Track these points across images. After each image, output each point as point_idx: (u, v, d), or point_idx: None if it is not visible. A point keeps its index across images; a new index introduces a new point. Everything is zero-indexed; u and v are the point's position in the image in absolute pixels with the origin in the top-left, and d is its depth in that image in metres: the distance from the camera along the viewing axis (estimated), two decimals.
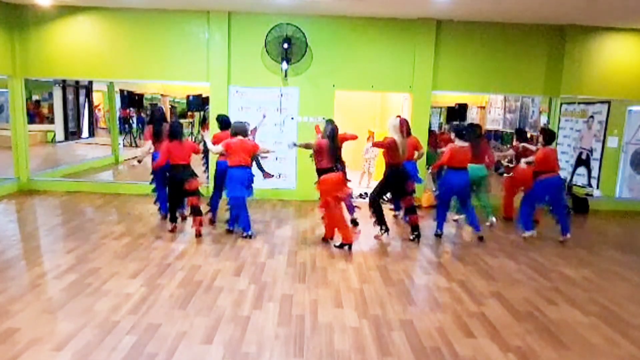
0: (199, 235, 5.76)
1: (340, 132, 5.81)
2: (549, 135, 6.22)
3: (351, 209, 6.45)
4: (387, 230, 5.95)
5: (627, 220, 7.92)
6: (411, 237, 5.97)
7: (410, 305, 4.10)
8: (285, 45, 7.52)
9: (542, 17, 7.47)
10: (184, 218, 6.41)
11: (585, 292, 4.59)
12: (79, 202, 7.49)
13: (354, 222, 6.48)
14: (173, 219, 5.95)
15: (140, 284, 4.29)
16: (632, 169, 8.90)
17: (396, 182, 5.85)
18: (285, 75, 7.84)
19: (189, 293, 4.14)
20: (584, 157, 9.40)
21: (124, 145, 13.11)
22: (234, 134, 5.75)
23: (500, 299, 4.30)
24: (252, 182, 5.91)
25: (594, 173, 9.14)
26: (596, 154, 9.11)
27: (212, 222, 6.36)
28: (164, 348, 3.22)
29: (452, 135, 6.11)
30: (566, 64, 7.89)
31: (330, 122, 6.08)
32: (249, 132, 8.00)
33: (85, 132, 15.30)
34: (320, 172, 5.50)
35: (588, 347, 3.52)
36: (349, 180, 5.90)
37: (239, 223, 5.89)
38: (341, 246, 5.52)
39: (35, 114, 14.72)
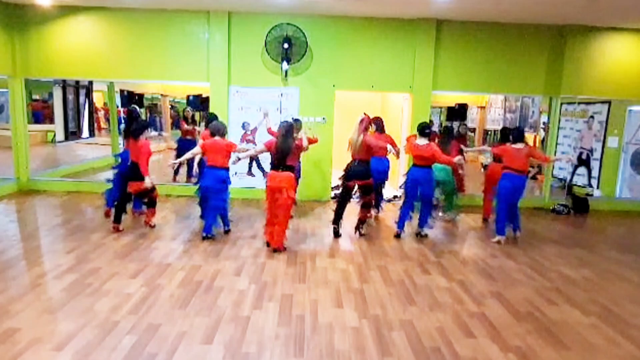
0: (147, 224, 6.02)
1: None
2: (513, 135, 6.09)
3: None
4: (336, 230, 6.08)
5: (627, 220, 7.92)
6: (358, 232, 6.10)
7: (410, 305, 4.10)
8: (286, 45, 7.52)
9: (542, 17, 7.47)
10: (141, 213, 6.46)
11: (585, 292, 4.59)
12: (79, 202, 7.49)
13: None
14: (117, 220, 5.85)
15: (140, 284, 4.29)
16: (632, 169, 8.90)
17: (345, 177, 5.95)
18: (286, 75, 7.84)
19: (189, 293, 4.14)
20: (584, 157, 9.40)
21: (124, 146, 13.09)
22: (211, 134, 5.69)
23: (500, 299, 4.30)
24: (224, 183, 5.64)
25: (594, 173, 9.14)
26: (596, 154, 9.11)
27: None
28: (164, 348, 3.22)
29: (417, 133, 6.07)
30: (566, 64, 7.90)
31: (295, 121, 6.30)
32: (249, 132, 8.06)
33: (85, 132, 15.28)
34: (270, 167, 5.45)
35: (588, 347, 3.52)
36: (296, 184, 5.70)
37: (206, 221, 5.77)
38: (267, 244, 5.51)
39: (42, 114, 14.70)
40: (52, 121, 14.53)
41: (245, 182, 8.04)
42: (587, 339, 3.63)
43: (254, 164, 8.19)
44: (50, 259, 4.89)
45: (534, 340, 3.57)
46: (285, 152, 5.26)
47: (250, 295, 4.16)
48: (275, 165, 5.34)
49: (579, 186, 9.24)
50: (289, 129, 5.37)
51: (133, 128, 5.82)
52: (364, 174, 5.87)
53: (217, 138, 5.61)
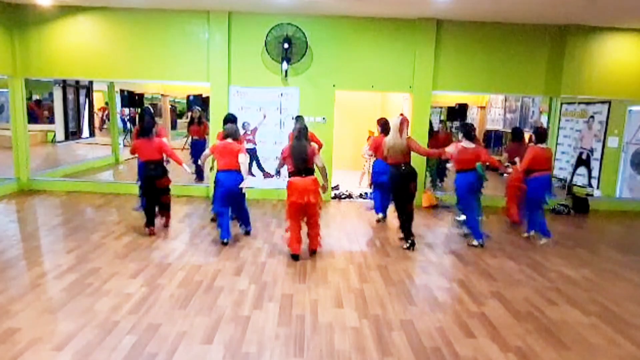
0: (166, 226, 6.06)
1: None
2: (537, 136, 6.13)
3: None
4: (412, 244, 5.62)
5: (627, 220, 7.92)
6: (405, 246, 5.65)
7: (411, 305, 4.10)
8: (286, 45, 7.52)
9: (543, 17, 7.47)
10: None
11: (586, 292, 4.59)
12: (79, 202, 7.50)
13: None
14: (150, 222, 5.79)
15: (140, 284, 4.29)
16: (633, 169, 8.90)
17: (395, 184, 5.60)
18: (286, 75, 7.84)
19: (189, 293, 4.14)
20: (584, 157, 9.40)
21: (124, 145, 13.11)
22: (225, 136, 5.50)
23: (501, 299, 4.30)
24: (240, 184, 5.46)
25: (594, 173, 9.14)
26: (596, 154, 9.12)
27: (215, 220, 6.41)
28: (164, 348, 3.22)
29: (460, 136, 5.88)
30: (566, 64, 7.89)
31: (298, 119, 6.17)
32: (249, 132, 8.05)
33: (85, 132, 15.30)
34: (289, 175, 5.11)
35: (588, 347, 3.52)
36: (321, 186, 5.16)
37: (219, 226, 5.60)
38: (293, 257, 5.11)
39: (35, 115, 14.69)
40: (46, 122, 14.53)
41: (245, 182, 8.03)
42: (587, 339, 3.63)
43: (254, 164, 8.20)
44: (50, 259, 4.89)
45: (534, 340, 3.57)
46: (303, 155, 4.96)
47: (250, 295, 4.16)
48: (296, 172, 5.00)
49: (579, 186, 9.25)
50: (302, 131, 5.11)
51: (143, 128, 5.82)
52: (414, 177, 5.59)
53: (229, 140, 5.44)
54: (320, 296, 4.20)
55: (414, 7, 7.16)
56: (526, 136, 7.33)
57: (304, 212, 5.12)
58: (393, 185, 5.67)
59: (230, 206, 5.63)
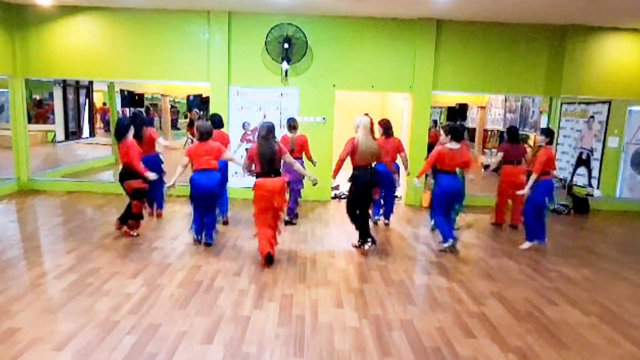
0: (127, 236, 5.63)
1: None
2: (549, 135, 5.82)
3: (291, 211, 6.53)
4: (373, 242, 5.39)
5: (627, 220, 7.92)
6: (356, 244, 5.53)
7: (411, 305, 4.10)
8: (286, 45, 7.52)
9: (543, 17, 7.47)
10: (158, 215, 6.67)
11: (585, 292, 4.59)
12: (79, 202, 7.50)
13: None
14: (124, 220, 5.68)
15: (140, 284, 4.29)
16: (633, 169, 8.90)
17: (362, 187, 5.27)
18: (286, 75, 7.84)
19: (189, 293, 4.14)
20: (584, 157, 9.39)
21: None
22: (199, 137, 5.24)
23: (501, 299, 4.30)
24: (217, 186, 5.29)
25: (595, 173, 9.13)
26: (597, 154, 9.11)
27: (224, 223, 6.41)
28: (164, 348, 3.22)
29: (443, 136, 5.64)
30: (566, 64, 7.90)
31: (289, 121, 6.23)
32: (249, 132, 8.05)
33: (85, 132, 15.29)
34: (257, 176, 4.92)
35: (588, 347, 3.52)
36: (312, 181, 5.18)
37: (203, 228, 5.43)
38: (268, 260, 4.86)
39: (37, 115, 14.70)
40: (46, 121, 14.50)
41: (245, 182, 8.03)
42: (587, 339, 3.63)
43: None
44: (50, 259, 4.89)
45: (534, 340, 3.57)
46: (270, 156, 4.78)
47: (250, 295, 4.16)
48: (263, 172, 4.82)
49: (579, 186, 9.24)
50: (269, 131, 4.85)
51: (116, 131, 5.47)
52: (377, 183, 5.36)
53: (203, 141, 5.22)
54: (320, 296, 4.20)
55: (414, 7, 7.16)
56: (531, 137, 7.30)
57: (270, 214, 4.90)
58: (357, 188, 5.32)
59: (201, 208, 5.32)
